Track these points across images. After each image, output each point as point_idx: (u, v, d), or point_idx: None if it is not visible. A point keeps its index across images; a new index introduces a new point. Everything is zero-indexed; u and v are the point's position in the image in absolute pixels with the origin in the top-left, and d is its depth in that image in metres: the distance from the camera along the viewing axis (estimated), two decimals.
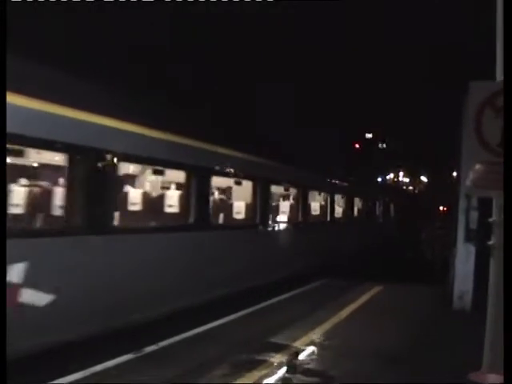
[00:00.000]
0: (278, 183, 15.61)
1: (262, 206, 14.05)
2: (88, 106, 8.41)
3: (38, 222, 8.44)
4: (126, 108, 10.08)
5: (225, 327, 10.14)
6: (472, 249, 11.97)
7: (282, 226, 15.96)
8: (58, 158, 8.61)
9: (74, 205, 8.17)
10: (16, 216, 7.96)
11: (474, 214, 11.84)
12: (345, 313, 11.60)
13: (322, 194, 19.74)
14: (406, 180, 76.27)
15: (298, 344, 8.78)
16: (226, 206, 13.59)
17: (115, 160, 8.77)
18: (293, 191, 16.95)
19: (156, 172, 10.76)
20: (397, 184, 68.62)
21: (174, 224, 11.14)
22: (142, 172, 11.87)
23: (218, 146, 12.09)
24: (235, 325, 10.40)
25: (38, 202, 8.50)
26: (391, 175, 70.37)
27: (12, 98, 6.39)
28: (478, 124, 3.83)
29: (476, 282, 11.63)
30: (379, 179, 54.46)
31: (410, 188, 72.42)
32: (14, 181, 8.37)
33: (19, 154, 7.48)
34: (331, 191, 20.31)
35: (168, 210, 11.23)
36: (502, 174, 3.73)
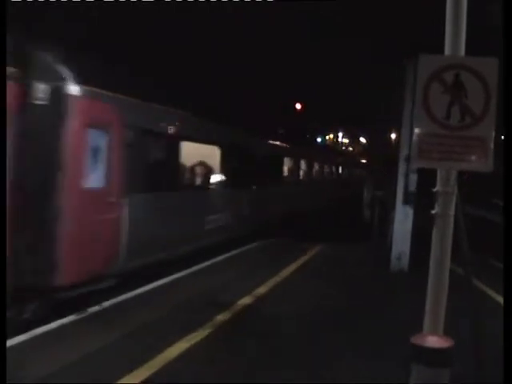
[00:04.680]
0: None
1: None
2: None
3: None
4: None
5: (168, 287, 10.17)
6: (410, 211, 12.28)
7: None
8: None
9: None
10: None
11: (413, 177, 12.11)
12: (286, 272, 11.80)
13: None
14: (346, 141, 77.09)
15: (240, 303, 8.93)
16: None
17: None
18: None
19: None
20: (336, 144, 69.34)
21: None
22: None
23: None
24: (178, 285, 10.44)
25: None
26: (331, 135, 70.95)
27: None
28: (425, 96, 3.90)
29: (413, 243, 11.96)
30: (319, 139, 54.83)
31: (350, 149, 73.35)
32: None
33: None
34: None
35: None
36: (447, 146, 3.87)
